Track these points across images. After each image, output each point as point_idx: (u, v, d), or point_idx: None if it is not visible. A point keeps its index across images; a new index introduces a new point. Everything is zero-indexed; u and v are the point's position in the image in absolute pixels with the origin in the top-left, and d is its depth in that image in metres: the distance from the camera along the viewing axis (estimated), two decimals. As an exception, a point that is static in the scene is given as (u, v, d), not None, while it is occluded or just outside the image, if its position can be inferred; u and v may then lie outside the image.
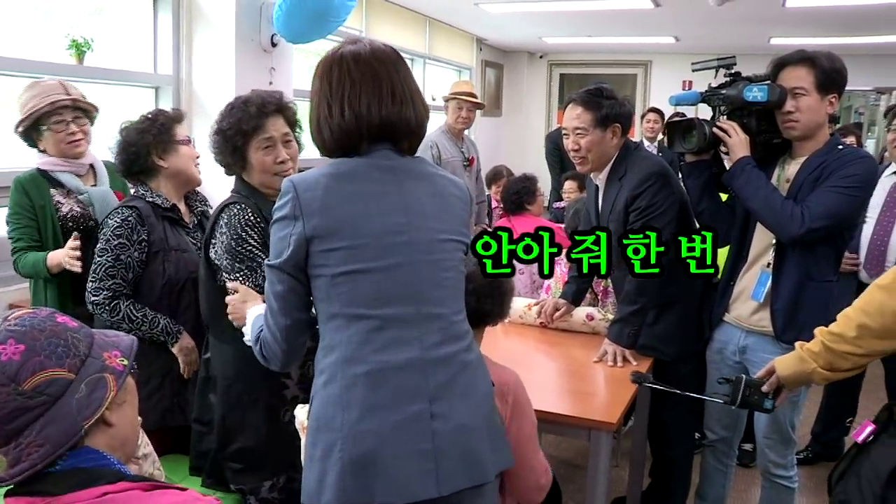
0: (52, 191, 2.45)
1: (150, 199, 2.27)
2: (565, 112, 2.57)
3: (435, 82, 7.18)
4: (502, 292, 1.88)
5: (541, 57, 9.34)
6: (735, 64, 2.35)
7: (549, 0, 5.68)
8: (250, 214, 1.95)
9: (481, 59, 8.22)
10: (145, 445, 1.77)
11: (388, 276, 1.44)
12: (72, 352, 1.07)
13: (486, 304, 1.83)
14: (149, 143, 2.26)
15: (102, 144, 2.47)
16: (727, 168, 2.29)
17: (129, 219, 2.19)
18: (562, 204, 5.57)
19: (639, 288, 2.44)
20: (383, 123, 1.48)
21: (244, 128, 1.94)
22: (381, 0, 5.90)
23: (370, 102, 1.47)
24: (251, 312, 1.72)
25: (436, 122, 6.74)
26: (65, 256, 2.27)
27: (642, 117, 6.60)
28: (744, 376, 1.92)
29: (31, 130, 2.42)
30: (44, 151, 2.46)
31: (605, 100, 2.48)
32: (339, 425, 1.41)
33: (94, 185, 2.55)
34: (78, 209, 2.46)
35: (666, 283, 2.47)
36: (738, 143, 2.25)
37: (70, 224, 2.42)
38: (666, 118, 6.38)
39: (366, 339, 1.43)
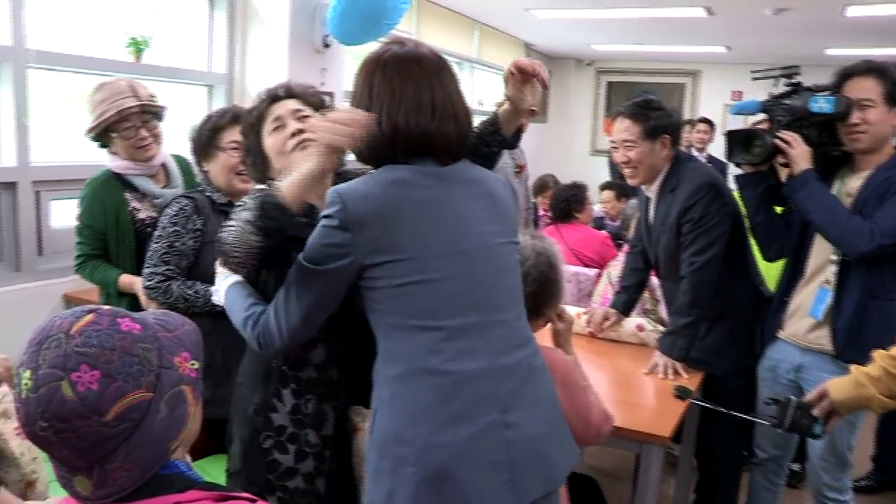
0: (127, 195, 2.48)
1: (209, 194, 2.30)
2: (614, 125, 2.55)
3: (482, 87, 7.17)
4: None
5: (588, 64, 9.28)
6: (799, 73, 2.30)
7: (600, 8, 5.63)
8: None
9: (528, 64, 8.18)
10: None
11: (449, 287, 1.40)
12: (146, 368, 0.99)
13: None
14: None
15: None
16: (782, 180, 2.23)
17: (186, 208, 2.23)
18: (601, 214, 5.52)
19: (692, 300, 2.40)
20: (421, 138, 1.43)
21: (250, 121, 1.77)
22: (432, 4, 5.93)
23: (409, 115, 1.42)
24: (223, 286, 1.60)
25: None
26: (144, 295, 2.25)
27: (691, 127, 6.50)
28: (793, 398, 1.83)
29: (102, 135, 2.42)
30: (115, 153, 2.47)
31: (652, 111, 2.47)
32: (411, 439, 1.37)
33: (166, 186, 2.56)
34: (154, 214, 2.46)
35: (716, 295, 2.43)
36: (800, 155, 2.19)
37: (148, 229, 2.40)
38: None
39: (433, 349, 1.39)
